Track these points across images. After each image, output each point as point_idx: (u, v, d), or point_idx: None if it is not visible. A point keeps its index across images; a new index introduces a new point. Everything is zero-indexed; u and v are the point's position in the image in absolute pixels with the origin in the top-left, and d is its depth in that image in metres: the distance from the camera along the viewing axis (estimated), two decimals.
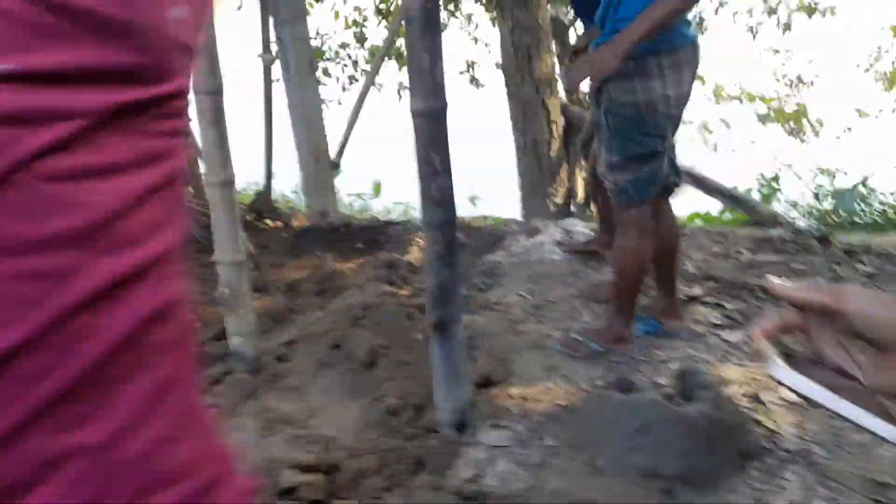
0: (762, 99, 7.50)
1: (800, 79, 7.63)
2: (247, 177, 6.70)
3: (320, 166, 4.50)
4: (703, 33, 6.44)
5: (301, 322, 2.82)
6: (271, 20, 4.32)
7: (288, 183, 6.17)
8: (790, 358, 0.48)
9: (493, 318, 2.77)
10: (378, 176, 5.62)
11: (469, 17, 7.05)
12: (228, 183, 2.11)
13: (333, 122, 4.76)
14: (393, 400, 2.16)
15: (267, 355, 2.46)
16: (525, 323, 2.70)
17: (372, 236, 4.40)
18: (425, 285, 3.07)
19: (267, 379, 2.30)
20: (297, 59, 4.26)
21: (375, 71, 5.12)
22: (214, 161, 2.07)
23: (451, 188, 1.71)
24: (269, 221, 4.71)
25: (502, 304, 2.92)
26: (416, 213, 5.44)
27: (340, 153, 4.48)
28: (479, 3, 6.78)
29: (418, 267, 3.73)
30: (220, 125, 2.04)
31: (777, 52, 7.62)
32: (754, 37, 7.00)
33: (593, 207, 4.11)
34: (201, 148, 2.09)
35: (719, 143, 7.30)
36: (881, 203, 4.72)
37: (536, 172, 4.87)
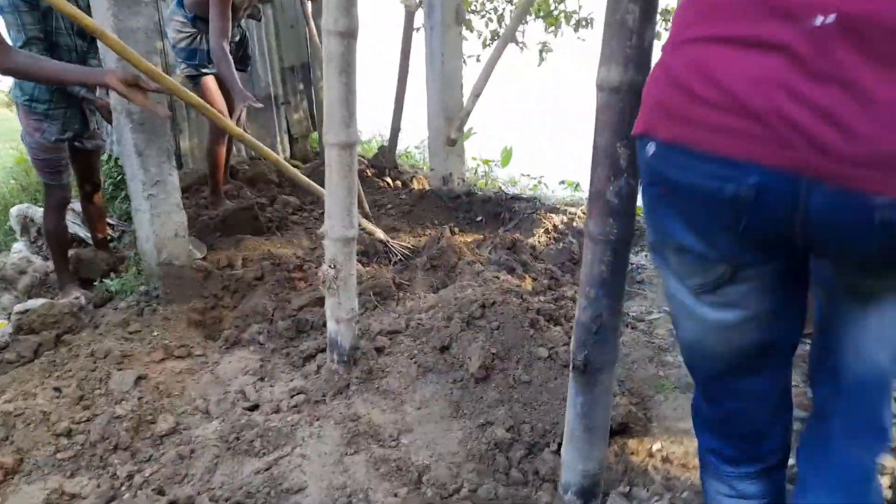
0: None
1: None
2: (373, 128, 6.49)
3: (451, 128, 4.10)
4: None
5: (408, 307, 2.49)
6: None
7: (414, 138, 5.86)
8: None
9: (633, 339, 2.29)
10: (510, 142, 5.13)
11: None
12: (349, 145, 1.76)
13: (470, 81, 4.33)
14: (503, 430, 1.77)
15: (366, 342, 2.17)
16: (674, 352, 2.20)
17: (495, 210, 4.02)
18: (541, 279, 2.71)
19: (361, 375, 1.98)
20: (443, 6, 3.83)
21: (515, 25, 4.58)
22: (336, 117, 1.72)
23: (635, 194, 1.24)
24: (389, 180, 4.44)
25: (644, 322, 2.43)
26: (548, 190, 4.95)
27: (465, 117, 4.05)
28: None
29: (541, 253, 3.33)
30: (348, 74, 1.67)
31: None
32: None
33: None
34: (324, 100, 1.74)
35: None
36: None
37: None
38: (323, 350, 2.20)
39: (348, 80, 1.66)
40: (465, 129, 4.43)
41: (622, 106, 1.13)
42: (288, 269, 3.05)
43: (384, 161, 4.68)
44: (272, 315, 2.71)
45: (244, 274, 2.95)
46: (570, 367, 1.40)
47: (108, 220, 3.68)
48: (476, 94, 3.83)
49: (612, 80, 1.12)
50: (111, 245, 3.58)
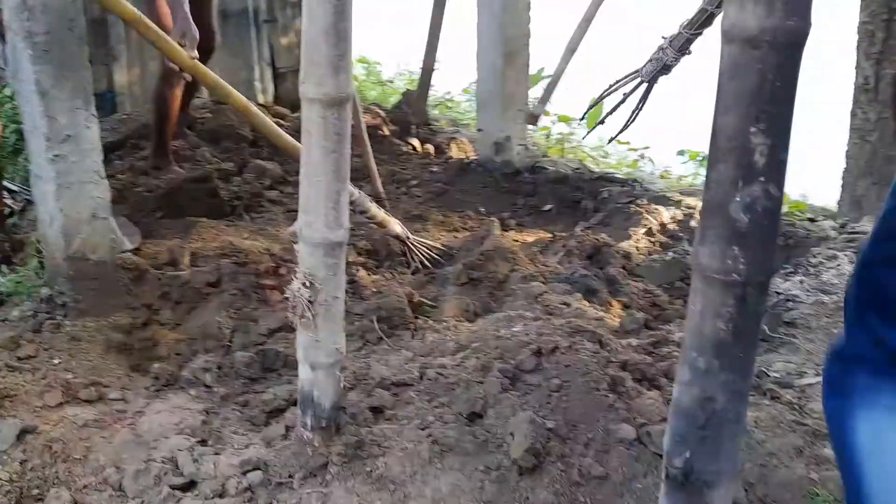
0: None
1: None
2: (398, 62, 6.46)
3: (512, 70, 4.01)
4: None
5: (428, 344, 2.46)
6: None
7: (457, 81, 5.80)
8: None
9: (771, 416, 2.19)
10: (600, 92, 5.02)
11: None
12: (338, 102, 1.70)
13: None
14: None
15: (359, 395, 2.14)
16: None
17: (572, 195, 3.98)
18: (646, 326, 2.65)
19: (347, 450, 1.94)
20: None
21: None
22: (319, 57, 1.67)
23: (778, 208, 1.17)
24: (415, 143, 4.42)
25: (793, 390, 2.33)
26: (656, 167, 4.83)
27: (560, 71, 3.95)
28: None
29: (639, 266, 3.24)
30: None
31: None
32: None
33: None
34: (303, 30, 1.69)
35: None
36: None
37: (875, 157, 4.07)
38: (296, 402, 2.15)
39: (339, 3, 1.61)
40: (535, 69, 4.34)
41: (762, 68, 1.06)
42: (257, 273, 3.05)
43: (410, 114, 4.64)
44: (229, 341, 2.72)
45: (193, 277, 2.96)
46: (664, 475, 1.34)
47: (7, 185, 3.75)
48: (572, 50, 3.77)
49: (747, 25, 1.05)
50: (10, 221, 3.64)
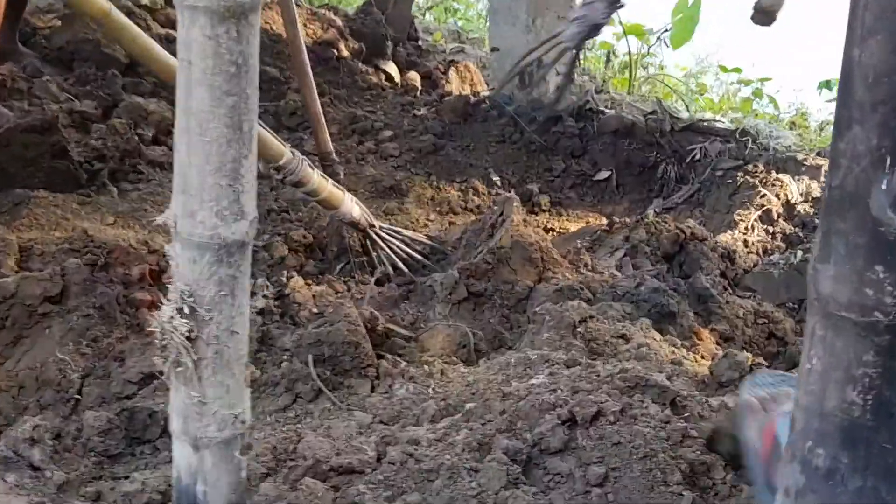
0: None
1: None
2: None
3: None
4: None
5: (396, 403, 2.48)
6: None
7: None
8: None
9: None
10: None
11: None
12: (236, 12, 1.70)
13: None
14: None
15: (278, 486, 2.18)
16: None
17: (642, 157, 4.04)
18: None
19: None
20: None
21: None
22: None
23: None
24: (392, 70, 4.48)
25: None
26: (780, 114, 4.85)
27: None
28: None
29: (748, 274, 3.24)
30: None
31: None
32: None
33: None
34: None
35: None
36: None
37: None
38: None
39: None
40: None
41: None
42: (126, 281, 3.10)
43: (385, 23, 4.67)
44: (77, 392, 2.75)
45: (22, 286, 2.99)
46: None
47: None
48: None
49: None
50: None
